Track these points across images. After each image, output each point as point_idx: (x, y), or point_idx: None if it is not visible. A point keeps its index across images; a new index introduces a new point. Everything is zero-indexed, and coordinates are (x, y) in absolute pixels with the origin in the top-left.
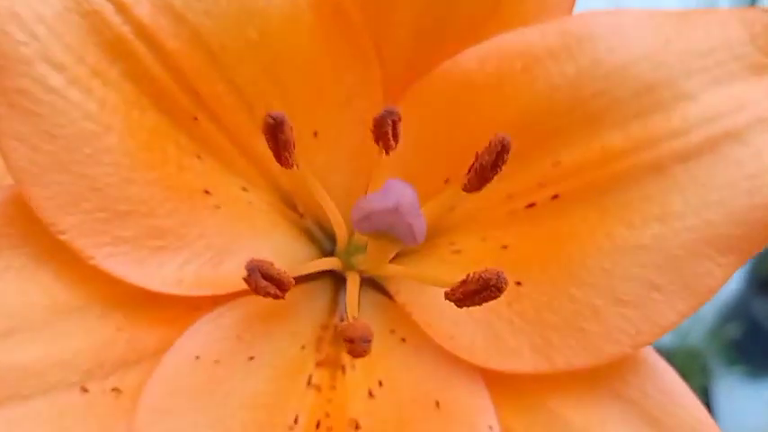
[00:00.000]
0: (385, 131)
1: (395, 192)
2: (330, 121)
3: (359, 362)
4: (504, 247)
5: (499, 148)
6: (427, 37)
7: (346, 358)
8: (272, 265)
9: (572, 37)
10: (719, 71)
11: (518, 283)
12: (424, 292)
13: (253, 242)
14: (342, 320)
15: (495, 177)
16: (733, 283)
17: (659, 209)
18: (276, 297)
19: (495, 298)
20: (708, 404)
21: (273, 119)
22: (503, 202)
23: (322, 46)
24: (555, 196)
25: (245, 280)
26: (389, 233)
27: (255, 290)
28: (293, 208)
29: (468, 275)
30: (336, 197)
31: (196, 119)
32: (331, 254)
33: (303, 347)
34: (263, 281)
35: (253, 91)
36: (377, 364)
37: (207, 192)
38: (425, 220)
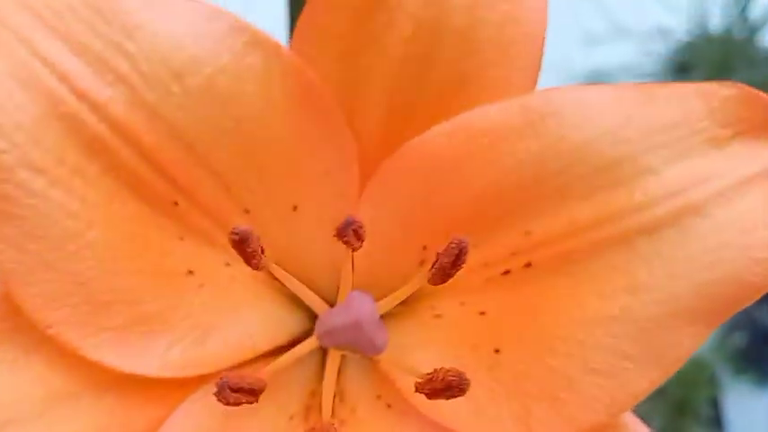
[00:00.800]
0: (347, 240)
1: (354, 305)
2: (309, 195)
3: (346, 429)
4: (482, 313)
5: (457, 252)
6: (399, 113)
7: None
8: (241, 377)
9: (535, 114)
10: (680, 146)
11: (497, 351)
12: (407, 360)
13: (237, 317)
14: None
15: (470, 247)
16: None
17: (626, 280)
18: (250, 403)
19: (459, 396)
20: (717, 415)
21: (238, 234)
22: (479, 268)
23: (296, 126)
24: (527, 264)
25: (216, 396)
26: (352, 347)
27: (227, 404)
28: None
29: (435, 371)
30: (320, 267)
31: (176, 203)
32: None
33: (291, 418)
34: (234, 394)
35: (230, 173)
36: (364, 430)
37: (190, 272)
38: (386, 332)
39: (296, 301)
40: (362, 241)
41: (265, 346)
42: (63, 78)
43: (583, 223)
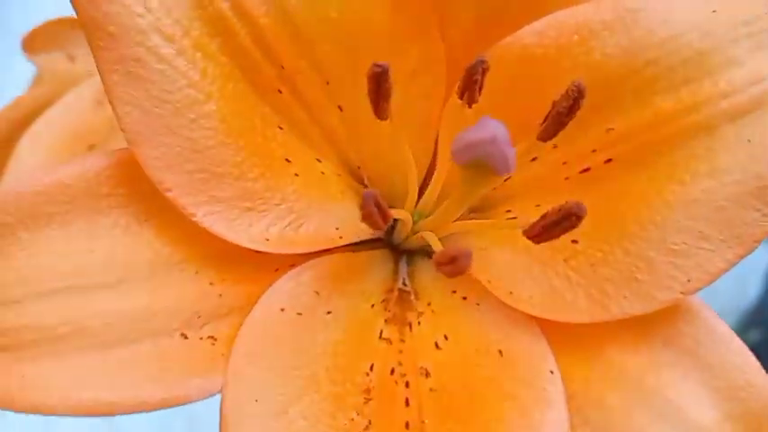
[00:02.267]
0: (475, 80)
1: (490, 125)
2: (397, 95)
3: (424, 320)
4: None
5: (576, 94)
6: (488, 17)
7: (412, 317)
8: (380, 197)
9: (625, 10)
10: (763, 37)
11: (574, 242)
12: (483, 255)
13: (325, 208)
14: (405, 285)
15: (551, 144)
16: (752, 290)
17: (708, 165)
18: (378, 228)
19: (575, 227)
20: None
21: (380, 67)
22: (558, 169)
23: (392, 24)
24: (608, 160)
25: (361, 206)
26: (486, 162)
27: (365, 216)
28: (359, 180)
29: (548, 211)
30: (402, 171)
31: (280, 92)
32: (391, 229)
33: (372, 306)
34: (375, 208)
35: (330, 66)
36: (441, 320)
37: (287, 160)
38: (515, 151)
39: None
40: (481, 93)
41: (349, 238)
42: None
43: (666, 115)
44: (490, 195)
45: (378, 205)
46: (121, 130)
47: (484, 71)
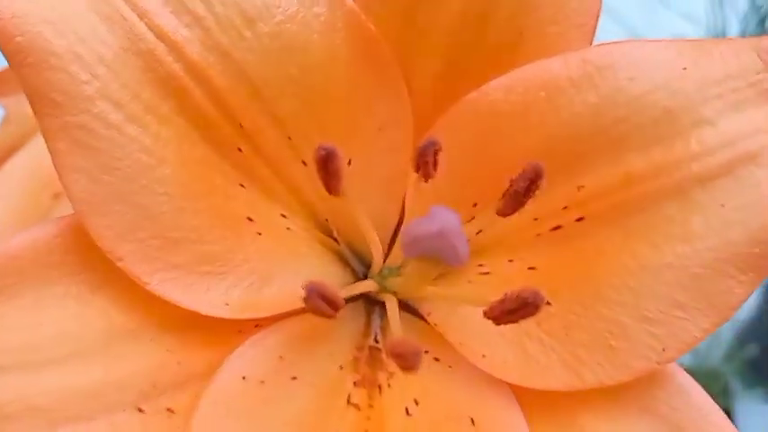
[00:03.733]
0: (426, 161)
1: (440, 217)
2: (363, 150)
3: (394, 381)
4: (532, 268)
5: (532, 175)
6: (454, 69)
7: (382, 378)
8: (326, 286)
9: (593, 66)
10: (735, 97)
11: (547, 303)
12: (457, 313)
13: (291, 266)
14: (376, 341)
15: (519, 209)
16: (751, 302)
17: (681, 229)
18: (329, 316)
19: (532, 315)
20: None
21: (325, 150)
22: (529, 224)
23: (356, 79)
24: (580, 218)
25: (305, 300)
26: (436, 256)
27: (312, 309)
28: (328, 233)
29: (506, 294)
30: (371, 221)
31: (240, 150)
32: (364, 277)
33: (341, 368)
34: (320, 301)
35: (292, 123)
36: (412, 383)
37: (250, 219)
38: (467, 244)
39: (343, 260)
40: (436, 170)
41: None
42: (142, 15)
43: (638, 175)
44: None
45: (323, 297)
46: (69, 198)
47: (435, 152)
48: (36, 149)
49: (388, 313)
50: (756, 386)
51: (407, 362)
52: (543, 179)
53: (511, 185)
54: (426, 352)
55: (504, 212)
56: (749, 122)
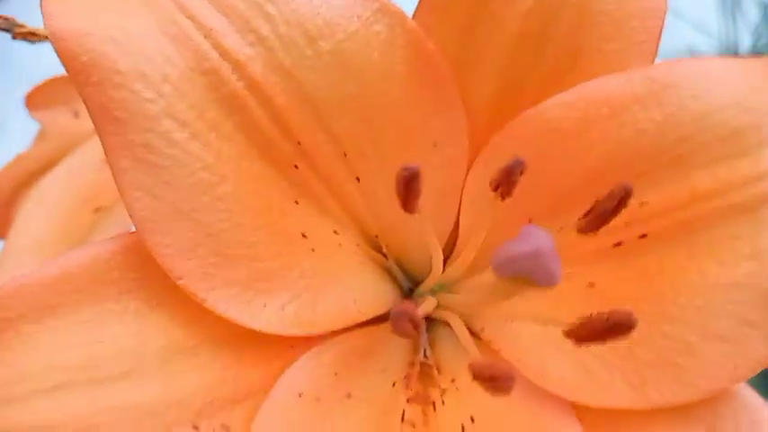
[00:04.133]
0: (512, 180)
1: (535, 238)
2: (417, 166)
3: (448, 398)
4: (591, 284)
5: (622, 194)
6: (511, 87)
7: (435, 394)
8: (414, 310)
9: (658, 84)
10: None
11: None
12: (511, 329)
13: (344, 282)
14: (426, 357)
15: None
16: None
17: (751, 247)
18: (411, 337)
19: (625, 336)
20: None
21: (410, 171)
22: (590, 240)
23: (413, 96)
24: (643, 235)
25: (392, 323)
26: (529, 277)
27: (399, 332)
28: (377, 248)
29: (593, 316)
30: (421, 241)
31: (296, 167)
32: (410, 292)
33: (394, 384)
34: (407, 323)
35: (348, 139)
36: (466, 399)
37: (304, 235)
38: (561, 265)
39: (390, 275)
40: (516, 187)
41: (369, 313)
42: (208, 35)
43: (702, 193)
44: None
45: (411, 320)
46: (130, 216)
47: (522, 171)
48: (75, 164)
49: (457, 332)
50: None
51: (500, 384)
52: (632, 199)
53: (597, 205)
54: None
55: (587, 230)
56: None
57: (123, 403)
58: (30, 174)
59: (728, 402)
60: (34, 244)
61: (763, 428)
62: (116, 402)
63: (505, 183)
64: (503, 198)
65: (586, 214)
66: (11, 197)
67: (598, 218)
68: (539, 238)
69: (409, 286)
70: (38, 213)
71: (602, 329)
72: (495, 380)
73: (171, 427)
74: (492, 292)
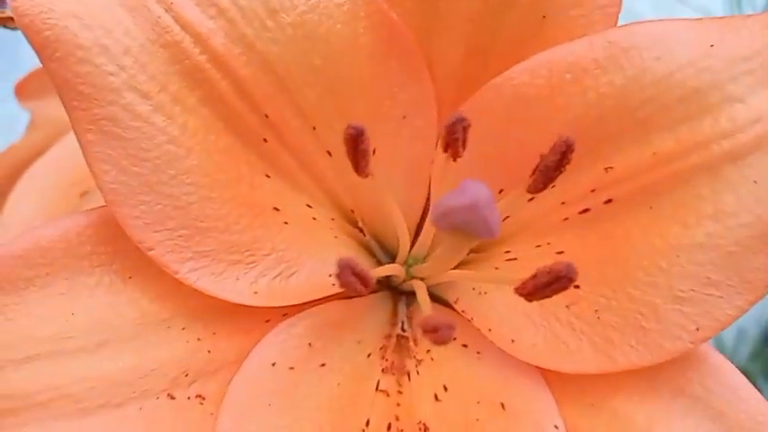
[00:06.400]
0: (456, 138)
1: (471, 189)
2: (388, 138)
3: (423, 368)
4: (560, 252)
5: (564, 148)
6: (477, 55)
7: (410, 365)
8: (357, 263)
9: (618, 47)
10: (764, 73)
11: (576, 287)
12: (484, 299)
13: (318, 256)
14: (403, 330)
15: (549, 184)
16: None
17: (712, 207)
18: (360, 293)
19: (566, 288)
20: None
21: (354, 129)
22: (556, 209)
23: (378, 67)
24: (608, 201)
25: (337, 275)
26: (467, 229)
27: (344, 285)
28: (354, 224)
29: (539, 269)
30: (394, 212)
31: (265, 140)
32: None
33: (369, 355)
34: (352, 277)
35: (316, 112)
36: (441, 369)
37: (276, 209)
38: (500, 215)
39: (368, 250)
40: (465, 148)
41: None
42: (169, 8)
43: (666, 154)
44: None
45: (355, 273)
46: (99, 189)
47: (465, 129)
48: (63, 150)
49: (418, 295)
50: None
51: (441, 334)
52: (573, 152)
53: (541, 160)
54: (454, 339)
55: (535, 189)
56: None
57: (97, 373)
58: (22, 162)
59: (697, 367)
60: (22, 228)
61: (730, 390)
62: (90, 373)
63: (451, 142)
64: (454, 158)
65: (533, 172)
66: (5, 186)
67: (543, 174)
68: (475, 191)
69: (388, 261)
70: (27, 198)
71: (545, 282)
72: (436, 330)
73: (144, 396)
74: (445, 252)
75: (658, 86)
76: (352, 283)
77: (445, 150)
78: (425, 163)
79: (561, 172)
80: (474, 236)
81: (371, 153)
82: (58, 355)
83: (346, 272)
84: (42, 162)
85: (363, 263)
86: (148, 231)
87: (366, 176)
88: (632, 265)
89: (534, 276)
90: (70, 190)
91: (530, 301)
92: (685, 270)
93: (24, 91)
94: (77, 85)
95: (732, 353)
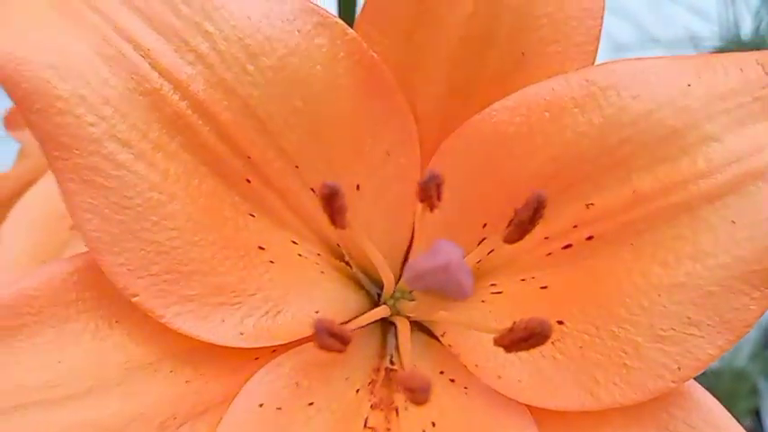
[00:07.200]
0: (430, 195)
1: (444, 251)
2: (371, 176)
3: (411, 404)
4: (544, 287)
5: (536, 205)
6: (458, 92)
7: (399, 400)
8: (333, 323)
9: (596, 86)
10: (741, 112)
11: (560, 322)
12: (470, 334)
13: (306, 293)
14: (392, 363)
15: (525, 236)
16: None
17: (692, 247)
18: (339, 351)
19: (542, 344)
20: (758, 426)
21: (329, 188)
22: (540, 244)
23: (360, 106)
24: (590, 237)
25: (314, 339)
26: (440, 291)
27: (322, 347)
28: (340, 258)
29: (515, 323)
30: (380, 245)
31: (248, 181)
32: (378, 298)
33: (357, 391)
34: (329, 338)
35: (299, 153)
36: (429, 405)
37: (261, 248)
38: (473, 277)
39: (357, 283)
40: (440, 200)
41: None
42: (146, 55)
43: (646, 193)
44: (475, 267)
45: (332, 334)
46: (83, 238)
47: (438, 186)
48: (52, 182)
49: (400, 341)
50: None
51: (417, 396)
52: (546, 207)
53: (515, 215)
54: (442, 372)
55: (511, 240)
56: (755, 138)
57: (84, 421)
58: (12, 192)
59: (681, 403)
60: (11, 263)
61: (713, 427)
62: (77, 420)
63: (426, 197)
64: (431, 210)
65: (509, 224)
66: None
67: (518, 227)
68: (447, 253)
69: (378, 292)
70: (16, 231)
71: (521, 337)
72: (412, 391)
73: None
74: (425, 301)
75: (636, 126)
76: (330, 345)
77: (421, 202)
78: (409, 199)
79: (535, 225)
80: (447, 297)
81: (347, 208)
82: (46, 404)
83: (323, 335)
84: (31, 194)
85: (351, 299)
86: (132, 278)
87: (344, 228)
88: (615, 302)
89: (511, 330)
90: (59, 224)
91: (508, 352)
92: (666, 309)
93: (13, 121)
94: (58, 137)
95: (732, 353)
